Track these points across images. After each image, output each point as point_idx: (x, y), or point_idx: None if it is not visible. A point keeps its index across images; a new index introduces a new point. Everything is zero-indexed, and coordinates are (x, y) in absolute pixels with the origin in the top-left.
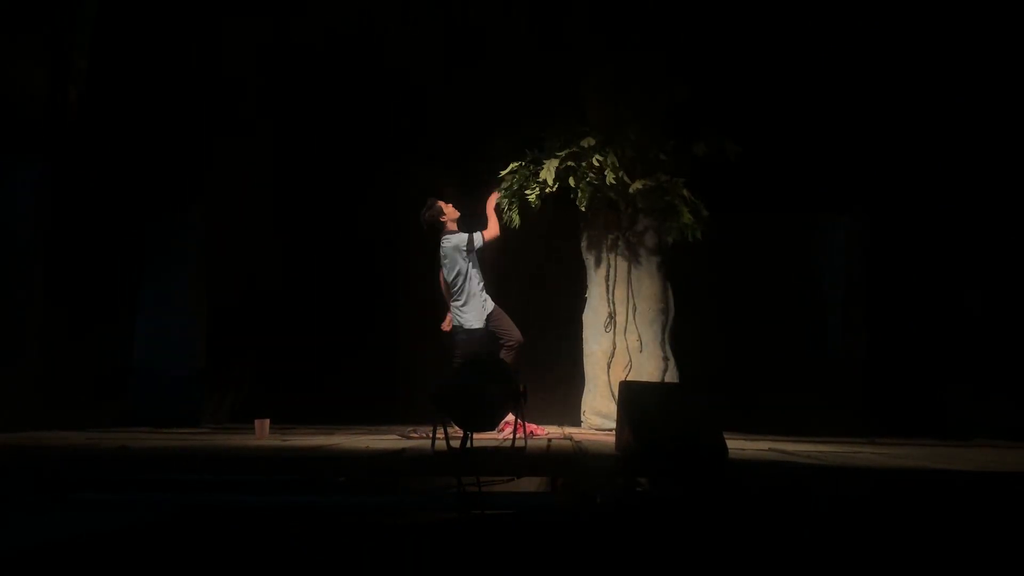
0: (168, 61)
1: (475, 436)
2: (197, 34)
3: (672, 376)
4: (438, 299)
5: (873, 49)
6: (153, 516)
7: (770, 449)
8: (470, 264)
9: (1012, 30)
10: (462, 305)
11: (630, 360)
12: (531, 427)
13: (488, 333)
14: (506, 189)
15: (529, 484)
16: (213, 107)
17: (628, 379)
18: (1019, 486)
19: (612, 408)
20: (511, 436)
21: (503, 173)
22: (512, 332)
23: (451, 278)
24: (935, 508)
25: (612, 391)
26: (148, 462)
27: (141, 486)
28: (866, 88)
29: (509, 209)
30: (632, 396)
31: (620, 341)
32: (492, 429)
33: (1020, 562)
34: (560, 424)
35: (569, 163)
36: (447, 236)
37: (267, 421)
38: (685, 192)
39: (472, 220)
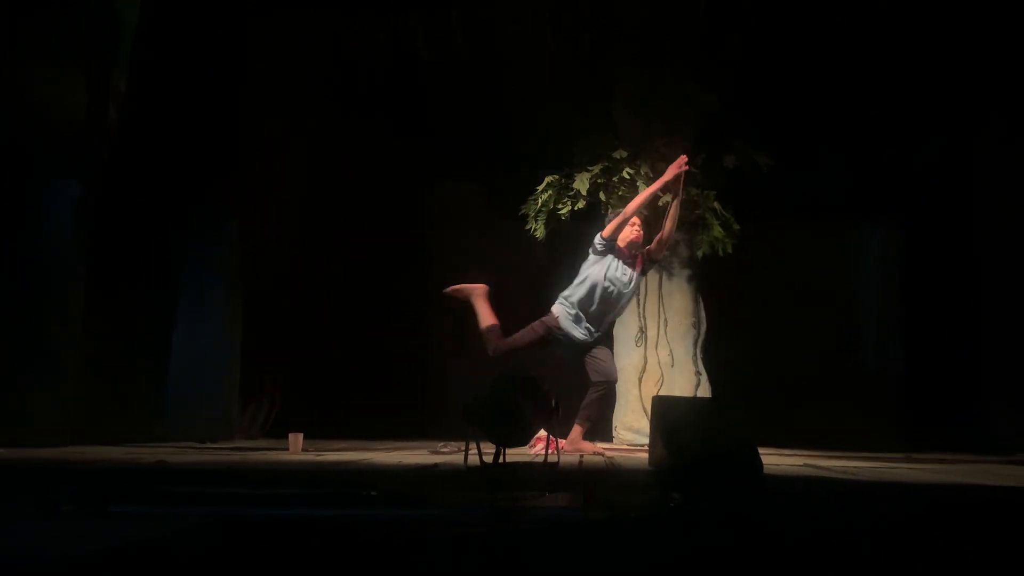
0: (204, 80)
1: (507, 451)
2: (232, 52)
3: (704, 391)
4: (469, 313)
5: (906, 55)
6: (191, 528)
7: (805, 464)
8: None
9: None
10: None
11: (662, 375)
12: (563, 443)
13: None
14: (537, 204)
15: (562, 499)
16: (249, 124)
17: (660, 394)
18: None
19: (644, 423)
20: (543, 452)
21: (539, 188)
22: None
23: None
24: (976, 526)
25: (644, 406)
26: (186, 476)
27: (179, 499)
28: (899, 94)
29: (535, 221)
30: (665, 411)
31: (651, 356)
32: (524, 445)
33: None
34: (591, 440)
35: (600, 180)
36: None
37: (300, 436)
38: (716, 205)
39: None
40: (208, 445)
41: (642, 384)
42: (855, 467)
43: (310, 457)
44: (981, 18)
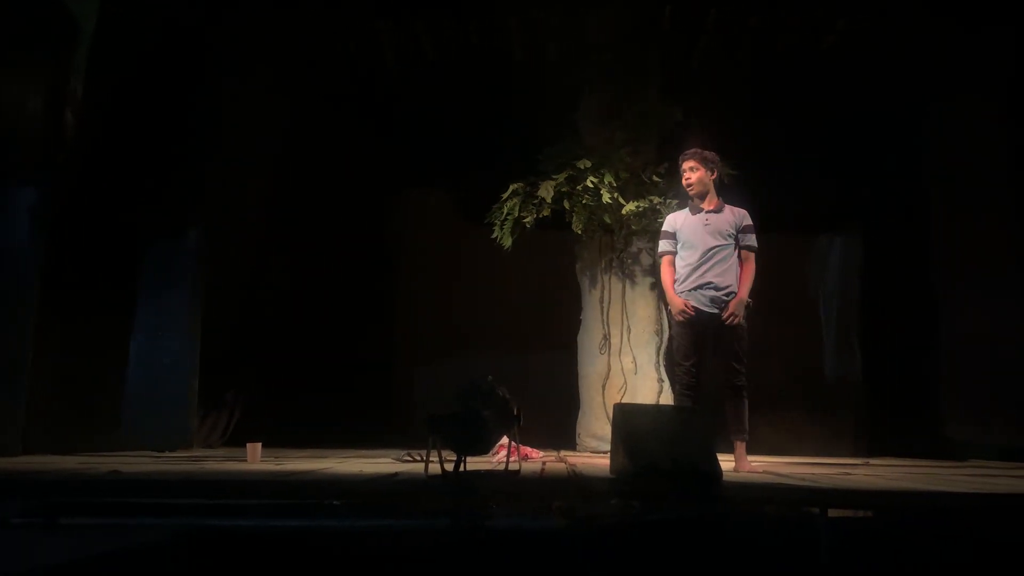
0: (164, 84)
1: (469, 459)
2: (194, 56)
3: (667, 398)
4: (435, 321)
5: (865, 66)
6: (145, 540)
7: (764, 471)
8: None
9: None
10: None
11: (625, 382)
12: (526, 450)
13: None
14: (502, 211)
15: (523, 507)
16: (211, 129)
17: (623, 401)
18: (1014, 508)
19: (607, 430)
20: (505, 459)
21: (504, 196)
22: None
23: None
24: (930, 530)
25: (607, 413)
26: (140, 486)
27: (133, 510)
28: (859, 105)
29: (500, 228)
30: (626, 418)
31: (615, 363)
32: (486, 453)
33: None
34: (556, 447)
35: (564, 188)
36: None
37: (259, 445)
38: None
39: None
40: (166, 454)
41: (605, 391)
42: (813, 474)
43: (269, 467)
44: (927, 35)
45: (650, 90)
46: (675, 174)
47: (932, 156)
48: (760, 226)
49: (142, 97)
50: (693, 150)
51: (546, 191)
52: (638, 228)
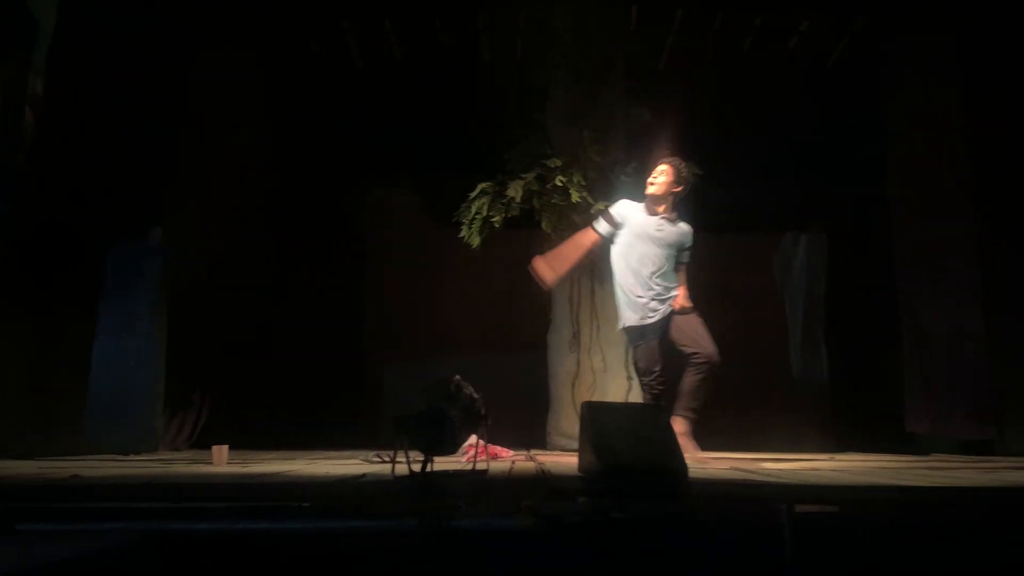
0: (128, 83)
1: (438, 460)
2: (157, 54)
3: (636, 396)
4: (404, 321)
5: (828, 67)
6: (107, 546)
7: (731, 468)
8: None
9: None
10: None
11: (595, 380)
12: (495, 449)
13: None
14: (471, 211)
15: (491, 507)
16: (176, 129)
17: (592, 399)
18: (975, 500)
19: (577, 429)
20: (474, 459)
21: (472, 195)
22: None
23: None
24: (895, 523)
25: (577, 411)
26: (102, 490)
27: (95, 515)
28: (823, 105)
29: (469, 228)
30: (594, 416)
31: (585, 361)
32: (453, 453)
33: None
34: (526, 446)
35: (533, 187)
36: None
37: (225, 447)
38: None
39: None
40: (130, 458)
41: (575, 389)
42: (779, 470)
43: (236, 469)
44: (888, 37)
45: (617, 90)
46: (644, 173)
47: (894, 156)
48: (726, 225)
49: (104, 96)
50: (676, 159)
51: (515, 191)
52: None
